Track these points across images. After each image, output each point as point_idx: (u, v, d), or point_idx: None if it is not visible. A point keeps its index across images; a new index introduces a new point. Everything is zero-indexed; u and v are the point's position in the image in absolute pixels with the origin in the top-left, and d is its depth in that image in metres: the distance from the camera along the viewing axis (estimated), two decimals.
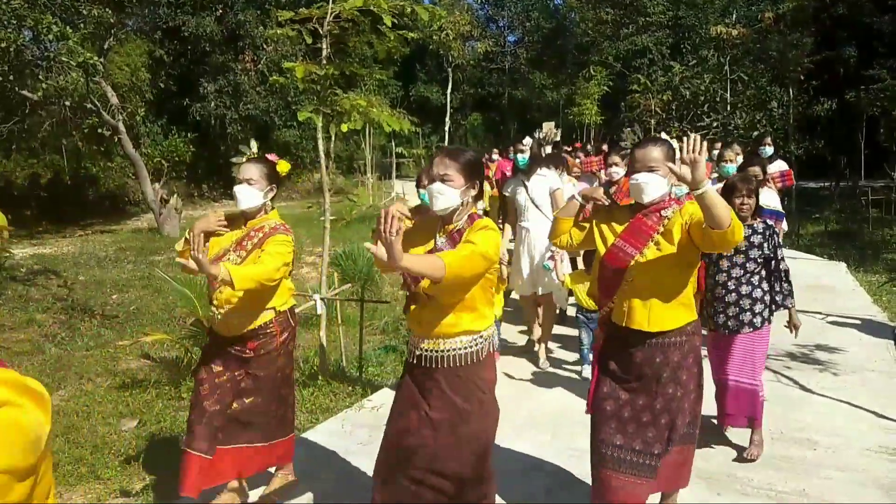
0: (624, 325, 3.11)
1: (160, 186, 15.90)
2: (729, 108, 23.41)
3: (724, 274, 4.19)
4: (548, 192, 5.85)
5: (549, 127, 23.51)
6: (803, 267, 9.74)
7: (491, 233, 2.74)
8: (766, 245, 4.13)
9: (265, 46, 24.95)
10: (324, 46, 5.94)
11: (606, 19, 31.01)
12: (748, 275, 4.15)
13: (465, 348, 2.82)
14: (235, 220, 3.68)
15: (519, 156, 6.13)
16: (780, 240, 4.46)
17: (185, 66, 25.48)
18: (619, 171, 5.73)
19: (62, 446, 4.64)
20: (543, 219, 5.72)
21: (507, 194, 6.11)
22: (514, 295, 6.66)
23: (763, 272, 4.20)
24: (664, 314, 3.03)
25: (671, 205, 3.07)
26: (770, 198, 5.80)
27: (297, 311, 4.16)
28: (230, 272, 3.12)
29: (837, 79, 23.71)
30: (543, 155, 9.95)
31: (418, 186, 5.08)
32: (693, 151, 2.62)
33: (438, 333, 2.82)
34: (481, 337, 2.87)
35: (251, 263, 3.39)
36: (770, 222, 4.26)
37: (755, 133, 20.24)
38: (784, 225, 5.93)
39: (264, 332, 3.57)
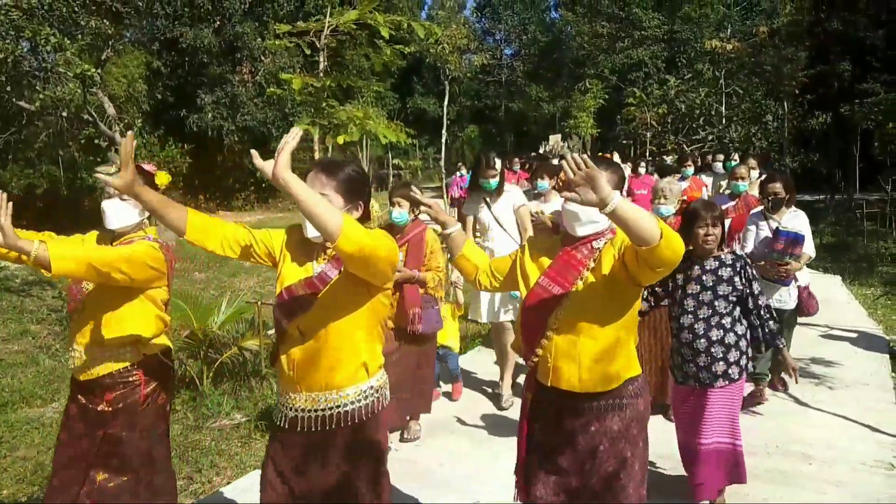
0: (550, 384, 2.55)
1: None
2: (724, 122, 23.58)
3: (690, 315, 3.59)
4: (511, 209, 5.35)
5: (556, 140, 23.38)
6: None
7: (386, 240, 2.17)
8: (737, 280, 3.55)
9: (263, 58, 25.03)
10: (321, 59, 5.97)
11: (602, 33, 31.23)
12: (718, 316, 3.56)
13: (352, 403, 2.30)
14: (102, 242, 2.99)
15: (491, 181, 5.35)
16: (755, 272, 3.76)
17: (182, 78, 25.55)
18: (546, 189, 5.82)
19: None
20: (507, 238, 5.33)
21: (465, 213, 5.55)
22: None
23: (737, 312, 3.60)
24: (598, 370, 2.46)
25: (606, 234, 2.52)
26: (795, 220, 5.13)
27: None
28: (47, 246, 2.47)
29: (832, 92, 23.86)
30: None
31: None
32: (580, 170, 2.02)
33: (317, 385, 2.29)
34: (371, 388, 2.35)
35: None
36: (740, 252, 3.76)
37: (751, 147, 20.34)
38: (808, 249, 5.05)
39: (124, 380, 2.83)
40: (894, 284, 9.81)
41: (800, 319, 5.54)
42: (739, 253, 3.71)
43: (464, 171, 13.91)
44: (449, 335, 5.40)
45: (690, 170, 8.50)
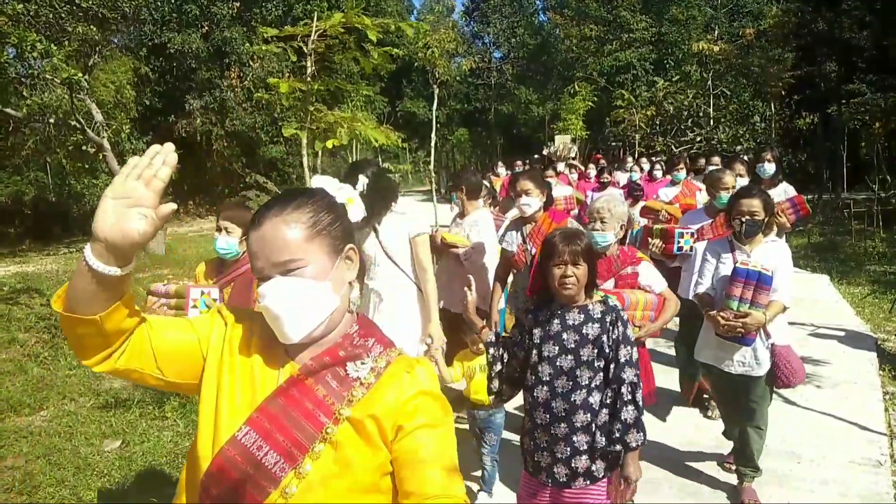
0: None
1: None
2: (712, 123, 23.71)
3: (546, 388, 2.67)
4: (406, 236, 3.98)
5: (562, 142, 22.29)
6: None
7: None
8: (605, 340, 2.63)
9: (251, 63, 25.01)
10: (308, 64, 5.96)
11: (590, 35, 31.33)
12: (582, 391, 2.62)
13: None
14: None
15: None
16: (630, 330, 2.74)
17: (170, 83, 25.51)
18: (531, 203, 4.29)
19: (43, 468, 4.59)
20: (401, 278, 3.97)
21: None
22: None
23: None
24: None
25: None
26: (771, 253, 3.73)
27: None
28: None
29: (818, 93, 24.04)
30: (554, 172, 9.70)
31: None
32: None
33: None
34: None
35: None
36: (615, 302, 2.76)
37: (738, 147, 20.45)
38: (781, 295, 3.61)
39: None
40: (881, 283, 9.88)
41: (788, 318, 4.16)
42: (613, 302, 2.74)
43: (502, 170, 13.76)
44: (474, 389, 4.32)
45: (682, 174, 7.79)
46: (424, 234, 4.00)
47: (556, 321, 2.70)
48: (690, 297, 4.07)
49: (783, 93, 22.22)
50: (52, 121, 14.56)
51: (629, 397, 2.58)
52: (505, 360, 2.81)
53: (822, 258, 12.54)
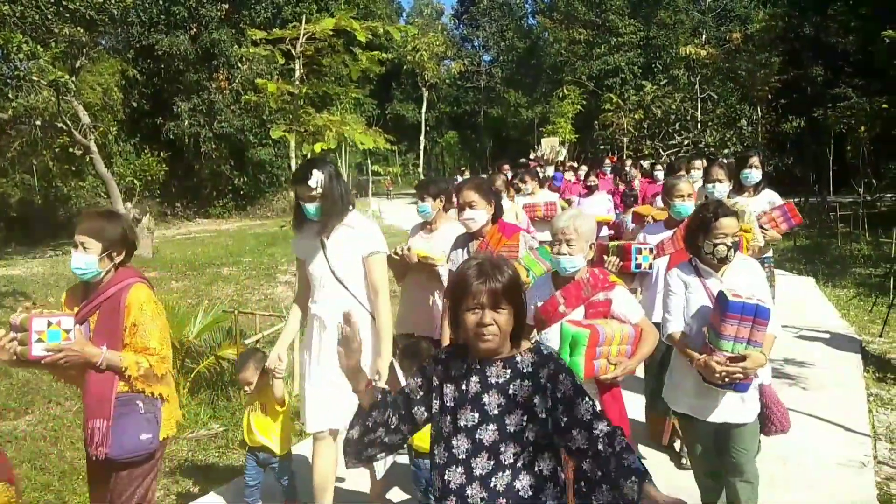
0: None
1: (132, 206, 15.75)
2: (699, 127, 23.91)
3: (460, 469, 2.01)
4: (358, 255, 3.43)
5: (549, 144, 21.98)
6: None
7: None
8: (538, 401, 1.99)
9: (239, 65, 24.95)
10: (296, 67, 5.96)
11: (579, 39, 31.50)
12: (506, 472, 1.97)
13: None
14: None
15: (309, 205, 3.48)
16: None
17: (158, 85, 25.41)
18: (477, 217, 3.86)
19: (28, 472, 4.55)
20: (351, 304, 3.34)
21: (298, 256, 3.73)
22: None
23: (545, 465, 2.00)
24: None
25: None
26: (751, 274, 3.25)
27: (270, 331, 4.01)
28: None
29: (805, 97, 24.25)
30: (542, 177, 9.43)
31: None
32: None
33: None
34: None
35: None
36: (550, 350, 2.13)
37: (725, 150, 20.58)
38: (774, 326, 3.05)
39: None
40: (866, 286, 9.97)
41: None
42: (547, 349, 2.10)
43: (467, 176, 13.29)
44: (269, 433, 3.75)
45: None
46: (380, 254, 3.44)
47: (474, 378, 2.05)
48: (654, 320, 3.61)
49: (770, 97, 22.42)
50: (38, 123, 14.48)
51: (620, 447, 1.88)
52: (392, 426, 2.07)
53: (808, 261, 12.63)
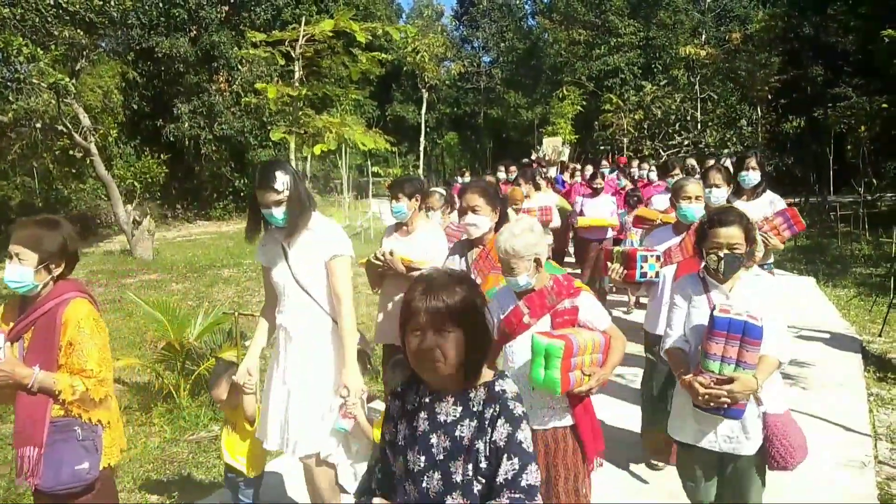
0: None
1: (133, 208, 15.77)
2: (699, 127, 23.92)
3: None
4: (321, 260, 3.20)
5: (551, 144, 21.70)
6: (774, 283, 9.88)
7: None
8: (480, 446, 1.75)
9: (239, 67, 24.98)
10: (296, 69, 5.97)
11: (579, 40, 31.51)
12: None
13: None
14: None
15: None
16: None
17: (158, 87, 25.44)
18: (480, 223, 3.62)
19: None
20: (315, 312, 3.21)
21: (262, 264, 3.42)
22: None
23: None
24: None
25: None
26: (766, 291, 2.96)
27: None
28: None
29: (805, 97, 24.26)
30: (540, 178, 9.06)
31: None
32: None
33: None
34: None
35: None
36: (504, 385, 1.81)
37: (725, 150, 20.59)
38: (776, 348, 2.82)
39: None
40: (867, 286, 9.96)
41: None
42: (501, 385, 1.80)
43: (468, 178, 12.82)
44: (237, 453, 3.52)
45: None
46: (343, 257, 3.20)
47: (423, 415, 1.82)
48: (656, 333, 3.61)
49: (770, 96, 22.43)
50: (38, 125, 14.50)
51: None
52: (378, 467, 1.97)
53: (808, 260, 12.63)
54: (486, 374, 1.84)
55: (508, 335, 2.88)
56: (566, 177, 11.44)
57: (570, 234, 9.24)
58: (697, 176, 6.02)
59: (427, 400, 1.84)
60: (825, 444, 4.66)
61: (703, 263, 2.99)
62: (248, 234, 3.37)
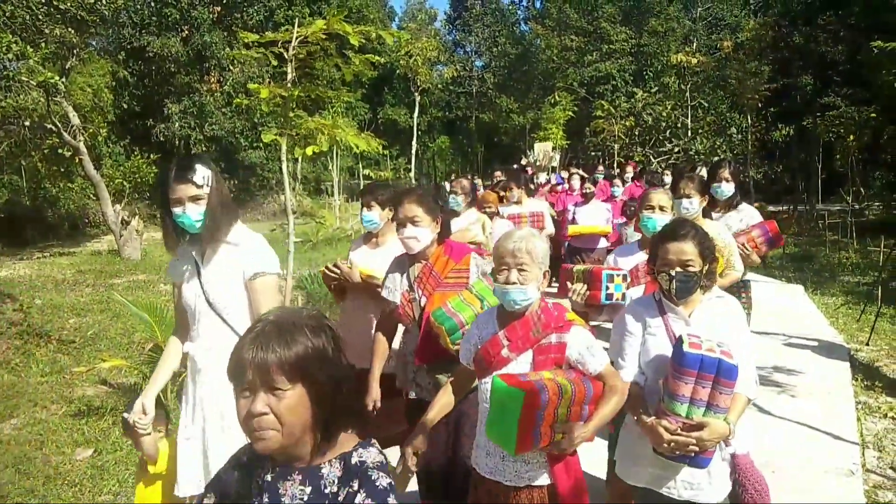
0: None
1: (121, 208, 15.65)
2: (690, 134, 24.03)
3: None
4: (240, 278, 2.75)
5: (542, 149, 21.18)
6: (762, 289, 9.93)
7: None
8: None
9: (231, 68, 24.92)
10: (289, 70, 5.94)
11: (571, 46, 31.61)
12: None
13: None
14: None
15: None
16: None
17: (149, 87, 25.34)
18: (421, 235, 3.15)
19: (12, 477, 4.50)
20: (230, 338, 2.67)
21: (173, 281, 2.93)
22: None
23: None
24: None
25: None
26: (728, 316, 2.62)
27: None
28: None
29: (794, 106, 24.47)
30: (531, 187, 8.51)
31: None
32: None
33: None
34: None
35: None
36: (367, 455, 1.50)
37: (716, 158, 20.68)
38: (746, 384, 2.51)
39: None
40: (855, 294, 10.02)
41: (763, 329, 3.21)
42: (361, 456, 1.49)
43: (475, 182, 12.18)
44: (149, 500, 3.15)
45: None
46: (268, 276, 2.73)
47: (265, 499, 1.50)
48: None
49: (760, 105, 22.58)
50: (27, 124, 14.39)
51: None
52: None
53: (797, 268, 12.70)
54: (345, 443, 1.49)
55: (485, 369, 2.43)
56: (566, 176, 10.85)
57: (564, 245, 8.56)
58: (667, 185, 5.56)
59: (269, 478, 1.49)
60: (813, 451, 4.68)
61: (657, 284, 2.62)
62: (168, 244, 2.79)
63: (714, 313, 2.59)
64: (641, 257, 3.46)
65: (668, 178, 9.23)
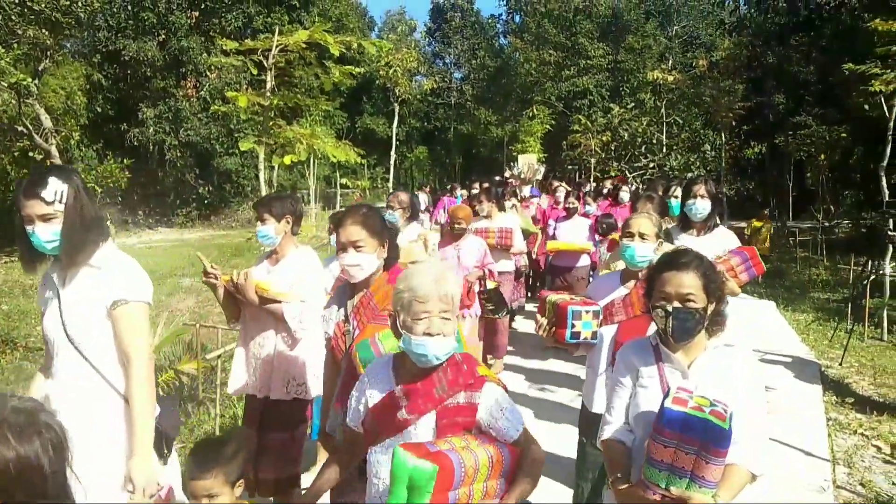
0: None
1: None
2: (665, 150, 24.33)
3: None
4: (102, 307, 2.41)
5: (527, 161, 20.45)
6: (734, 305, 10.00)
7: None
8: None
9: (208, 74, 24.73)
10: (268, 79, 5.90)
11: (549, 60, 31.84)
12: None
13: None
14: None
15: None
16: None
17: (123, 91, 25.05)
18: (364, 263, 2.65)
19: None
20: (91, 379, 2.39)
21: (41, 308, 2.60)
22: None
23: None
24: None
25: None
26: (736, 370, 2.15)
27: (231, 346, 3.73)
28: None
29: (767, 124, 24.91)
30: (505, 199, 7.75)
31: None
32: None
33: None
34: None
35: None
36: None
37: (689, 175, 20.95)
38: (751, 456, 2.06)
39: None
40: (825, 311, 10.17)
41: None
42: None
43: (463, 192, 11.14)
44: None
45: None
46: (134, 304, 2.43)
47: None
48: (594, 411, 3.01)
49: (733, 123, 22.97)
50: None
51: None
52: None
53: (768, 285, 12.85)
54: None
55: (377, 434, 2.00)
56: (544, 201, 10.54)
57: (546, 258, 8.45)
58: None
59: None
60: (784, 468, 4.71)
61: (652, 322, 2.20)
62: (24, 265, 2.45)
63: (721, 365, 2.13)
64: (622, 292, 3.07)
65: (624, 195, 9.04)
